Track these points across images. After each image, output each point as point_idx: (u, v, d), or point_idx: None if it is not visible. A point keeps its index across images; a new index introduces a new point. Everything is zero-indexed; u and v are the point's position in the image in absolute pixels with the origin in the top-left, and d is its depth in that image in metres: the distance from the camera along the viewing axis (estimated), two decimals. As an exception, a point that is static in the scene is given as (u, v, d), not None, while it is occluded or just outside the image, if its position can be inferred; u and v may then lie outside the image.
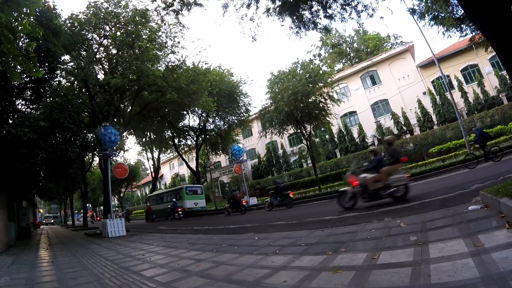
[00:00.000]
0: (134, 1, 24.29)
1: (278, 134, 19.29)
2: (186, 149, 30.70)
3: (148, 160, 36.88)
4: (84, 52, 14.90)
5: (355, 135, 26.81)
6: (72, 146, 10.55)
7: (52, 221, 45.32)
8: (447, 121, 21.76)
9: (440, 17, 10.17)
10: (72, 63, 14.38)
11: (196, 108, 22.32)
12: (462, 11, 8.24)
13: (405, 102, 24.68)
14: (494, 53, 16.31)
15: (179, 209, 17.99)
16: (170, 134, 26.17)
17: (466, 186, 6.05)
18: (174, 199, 19.77)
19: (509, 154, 11.05)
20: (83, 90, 16.06)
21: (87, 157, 23.27)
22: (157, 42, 14.84)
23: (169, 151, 32.97)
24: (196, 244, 5.56)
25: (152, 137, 26.33)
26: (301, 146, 23.01)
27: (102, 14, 13.88)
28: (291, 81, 16.63)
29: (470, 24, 9.77)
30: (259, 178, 32.47)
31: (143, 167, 58.41)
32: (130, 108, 18.21)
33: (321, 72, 17.12)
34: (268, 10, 7.38)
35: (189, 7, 7.33)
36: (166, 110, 20.74)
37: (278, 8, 7.21)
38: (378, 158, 6.79)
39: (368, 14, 7.19)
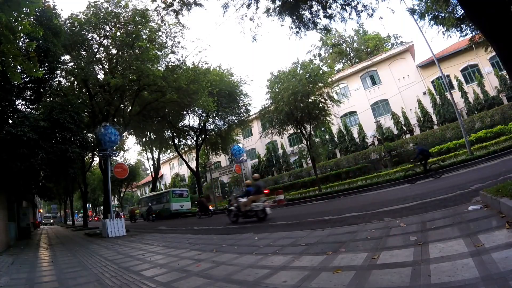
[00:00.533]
0: (134, 1, 24.27)
1: (278, 134, 19.29)
2: (186, 149, 30.70)
3: (148, 160, 36.93)
4: (84, 52, 14.88)
5: (355, 135, 26.80)
6: (72, 146, 10.53)
7: (51, 221, 46.05)
8: (447, 121, 21.76)
9: (440, 17, 10.17)
10: (72, 63, 14.36)
11: (196, 108, 22.33)
12: (462, 11, 8.24)
13: (405, 102, 24.68)
14: (494, 53, 16.32)
15: (153, 213, 21.48)
16: (170, 134, 26.17)
17: (466, 186, 6.06)
18: (149, 204, 23.21)
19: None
20: (83, 90, 16.04)
21: (87, 157, 23.29)
22: (157, 42, 14.82)
23: (169, 151, 32.95)
24: (196, 244, 5.56)
25: (152, 137, 26.33)
26: (301, 146, 23.03)
27: (102, 14, 13.87)
28: (291, 81, 16.63)
29: (470, 24, 9.76)
30: (259, 178, 32.44)
31: (143, 167, 58.37)
32: (130, 108, 18.20)
33: (321, 72, 17.12)
34: (268, 10, 7.38)
35: (189, 7, 7.33)
36: (166, 110, 20.74)
37: (278, 8, 7.21)
38: (248, 189, 9.27)
39: (368, 14, 7.19)
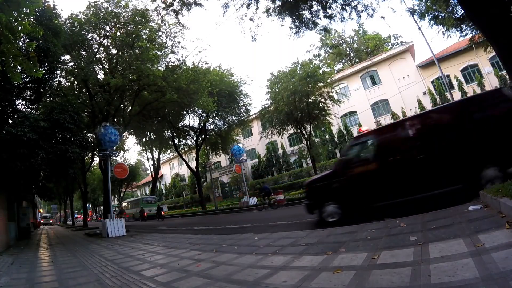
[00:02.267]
0: (134, 1, 24.22)
1: (278, 134, 19.30)
2: (186, 149, 30.68)
3: (148, 160, 36.97)
4: (84, 52, 14.87)
5: (355, 135, 26.78)
6: (72, 146, 10.53)
7: (51, 221, 46.97)
8: (447, 121, 21.75)
9: (440, 17, 10.18)
10: (72, 63, 14.35)
11: (196, 108, 22.27)
12: (462, 11, 8.24)
13: (405, 102, 24.67)
14: (494, 53, 16.31)
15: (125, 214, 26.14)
16: (170, 134, 26.13)
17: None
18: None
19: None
20: (83, 90, 16.03)
21: (87, 157, 23.26)
22: (157, 42, 14.79)
23: (169, 151, 32.95)
24: (196, 244, 5.56)
25: (152, 137, 26.32)
26: (301, 146, 23.04)
27: (102, 14, 13.86)
28: (291, 81, 16.65)
29: (470, 24, 9.77)
30: (259, 178, 32.45)
31: (143, 167, 58.35)
32: (130, 108, 18.18)
33: (320, 72, 17.13)
34: (268, 10, 7.40)
35: (189, 7, 7.35)
36: (166, 110, 20.71)
37: (278, 8, 7.22)
38: (121, 211, 21.28)
39: (368, 14, 7.22)
